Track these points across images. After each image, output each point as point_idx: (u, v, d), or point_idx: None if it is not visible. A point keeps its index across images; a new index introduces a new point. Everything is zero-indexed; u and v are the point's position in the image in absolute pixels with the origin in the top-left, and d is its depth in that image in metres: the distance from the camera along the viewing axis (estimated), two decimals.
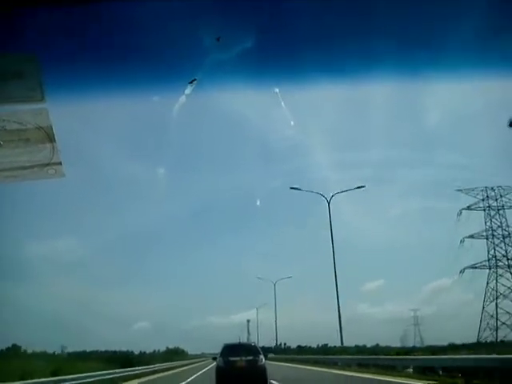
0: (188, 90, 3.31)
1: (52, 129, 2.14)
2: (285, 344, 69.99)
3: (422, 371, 15.71)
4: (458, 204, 58.71)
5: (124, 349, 39.19)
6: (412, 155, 53.81)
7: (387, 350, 29.27)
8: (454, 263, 57.73)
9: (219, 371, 14.13)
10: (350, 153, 60.78)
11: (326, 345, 46.59)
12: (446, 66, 3.55)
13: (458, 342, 37.67)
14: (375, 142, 59.22)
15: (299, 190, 32.49)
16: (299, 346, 62.17)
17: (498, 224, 49.47)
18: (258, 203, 59.02)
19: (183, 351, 63.79)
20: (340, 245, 71.68)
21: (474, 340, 41.73)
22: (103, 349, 34.25)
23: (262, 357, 14.35)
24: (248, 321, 78.36)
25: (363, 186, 31.07)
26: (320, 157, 68.78)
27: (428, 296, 67.58)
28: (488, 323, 47.16)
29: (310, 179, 62.41)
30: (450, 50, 3.35)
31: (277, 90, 4.16)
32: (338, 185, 78.73)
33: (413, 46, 3.25)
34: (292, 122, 34.85)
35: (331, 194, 32.08)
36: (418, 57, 3.38)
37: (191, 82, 3.18)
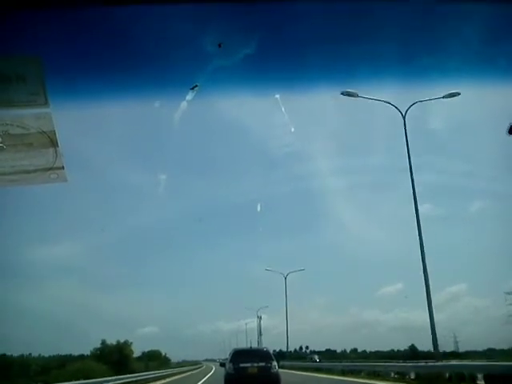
0: (189, 96, 3.33)
1: (55, 133, 2.14)
2: (307, 347, 62.50)
3: None
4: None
5: None
6: (415, 161, 53.16)
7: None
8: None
9: (228, 378, 13.68)
10: (351, 159, 60.64)
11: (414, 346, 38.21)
12: (449, 73, 3.57)
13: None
14: (377, 148, 58.90)
15: (354, 96, 19.41)
16: (329, 351, 53.28)
17: None
18: (259, 209, 58.19)
19: (161, 355, 43.28)
20: (350, 251, 71.55)
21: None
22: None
23: (275, 363, 13.85)
24: (260, 318, 65.12)
25: (458, 94, 19.23)
26: (321, 163, 68.65)
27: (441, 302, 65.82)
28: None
29: (311, 185, 62.01)
30: (453, 56, 3.36)
31: (277, 96, 4.19)
32: (340, 191, 78.63)
33: (415, 53, 3.26)
34: (292, 129, 32.30)
35: (408, 105, 20.32)
36: (420, 63, 3.39)
37: (193, 88, 3.19)
